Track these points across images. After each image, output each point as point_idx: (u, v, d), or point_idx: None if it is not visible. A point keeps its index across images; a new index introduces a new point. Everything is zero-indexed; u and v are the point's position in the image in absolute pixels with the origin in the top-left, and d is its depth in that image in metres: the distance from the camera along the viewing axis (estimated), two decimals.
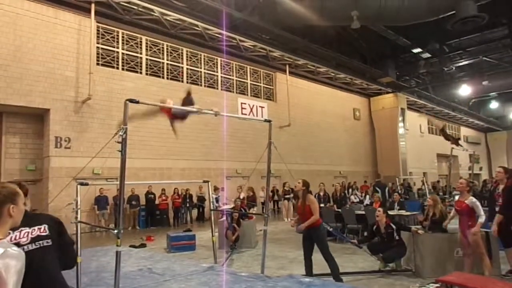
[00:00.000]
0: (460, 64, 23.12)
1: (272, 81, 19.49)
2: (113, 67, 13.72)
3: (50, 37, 12.10)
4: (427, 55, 22.48)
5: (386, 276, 5.52)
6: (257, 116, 17.70)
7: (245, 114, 17.32)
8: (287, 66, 18.90)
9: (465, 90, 24.65)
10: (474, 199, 5.04)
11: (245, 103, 17.71)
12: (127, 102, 3.87)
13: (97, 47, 13.29)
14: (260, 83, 19.01)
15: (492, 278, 4.66)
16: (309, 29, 17.13)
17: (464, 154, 21.32)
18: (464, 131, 34.54)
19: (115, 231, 3.76)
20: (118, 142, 3.77)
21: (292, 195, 15.41)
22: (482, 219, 4.86)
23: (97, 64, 13.20)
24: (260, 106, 18.32)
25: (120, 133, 3.75)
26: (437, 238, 5.71)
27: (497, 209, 5.46)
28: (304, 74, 20.24)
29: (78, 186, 4.67)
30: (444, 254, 5.49)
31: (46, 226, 1.95)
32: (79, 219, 4.62)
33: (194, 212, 14.55)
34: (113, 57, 13.78)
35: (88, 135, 12.51)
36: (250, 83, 18.48)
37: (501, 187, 5.55)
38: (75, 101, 12.50)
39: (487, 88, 24.92)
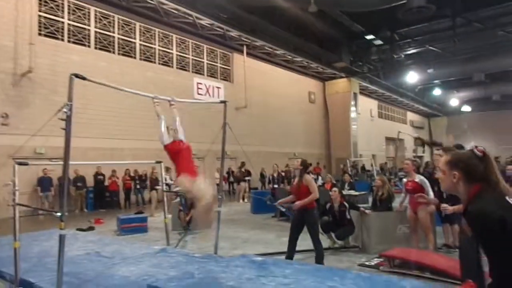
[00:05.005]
0: (409, 52, 24.28)
1: (229, 61, 19.20)
2: (57, 38, 12.70)
3: None
4: (379, 42, 23.29)
5: (335, 253, 5.79)
6: (213, 96, 17.41)
7: (201, 94, 16.98)
8: (245, 47, 18.67)
9: (412, 77, 25.98)
10: (422, 177, 5.32)
11: (201, 83, 17.32)
12: (73, 76, 3.58)
13: (39, 15, 12.19)
14: (217, 63, 18.65)
15: (427, 251, 5.06)
16: (268, 11, 16.94)
17: (409, 137, 22.70)
18: (410, 116, 36.83)
19: (58, 213, 3.53)
20: (62, 119, 3.50)
21: (249, 177, 15.60)
22: (431, 195, 5.07)
23: (39, 34, 12.14)
24: (216, 87, 18.03)
25: (64, 109, 3.47)
26: (382, 217, 6.07)
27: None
28: (262, 56, 20.14)
29: (16, 165, 4.30)
30: (388, 231, 5.85)
31: None
32: (17, 201, 4.28)
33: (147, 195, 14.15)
34: (58, 27, 12.73)
35: (29, 111, 11.57)
36: (207, 63, 18.07)
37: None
38: (13, 74, 11.45)
39: (431, 76, 26.46)
